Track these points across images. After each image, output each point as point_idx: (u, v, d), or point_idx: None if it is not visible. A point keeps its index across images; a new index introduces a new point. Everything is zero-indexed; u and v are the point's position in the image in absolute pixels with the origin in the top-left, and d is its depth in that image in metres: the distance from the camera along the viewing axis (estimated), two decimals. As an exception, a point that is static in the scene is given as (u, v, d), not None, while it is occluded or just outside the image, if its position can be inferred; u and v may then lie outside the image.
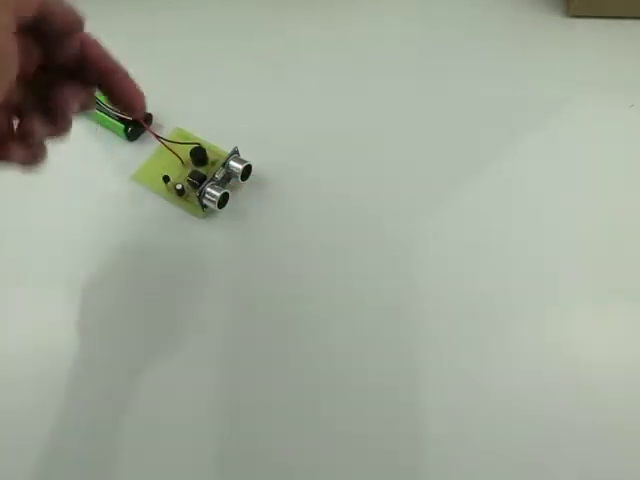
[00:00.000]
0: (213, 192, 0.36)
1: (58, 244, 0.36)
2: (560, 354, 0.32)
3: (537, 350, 0.33)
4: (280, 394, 0.32)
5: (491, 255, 0.36)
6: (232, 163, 0.37)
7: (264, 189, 0.39)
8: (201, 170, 0.38)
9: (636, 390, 0.31)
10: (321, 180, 0.39)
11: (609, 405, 0.31)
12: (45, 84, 0.26)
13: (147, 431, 0.31)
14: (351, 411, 0.31)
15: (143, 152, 0.40)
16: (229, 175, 0.38)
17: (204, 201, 0.36)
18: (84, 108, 0.28)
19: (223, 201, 0.37)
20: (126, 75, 0.28)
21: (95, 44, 0.27)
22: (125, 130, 0.40)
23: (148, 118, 0.40)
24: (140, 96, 0.28)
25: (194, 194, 0.36)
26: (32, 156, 0.27)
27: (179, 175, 0.38)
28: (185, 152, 0.38)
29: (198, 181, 0.37)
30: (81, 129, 0.41)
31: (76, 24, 0.26)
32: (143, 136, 0.41)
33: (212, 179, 0.37)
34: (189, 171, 0.38)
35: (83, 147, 0.40)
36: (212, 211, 0.37)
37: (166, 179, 0.38)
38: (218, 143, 0.39)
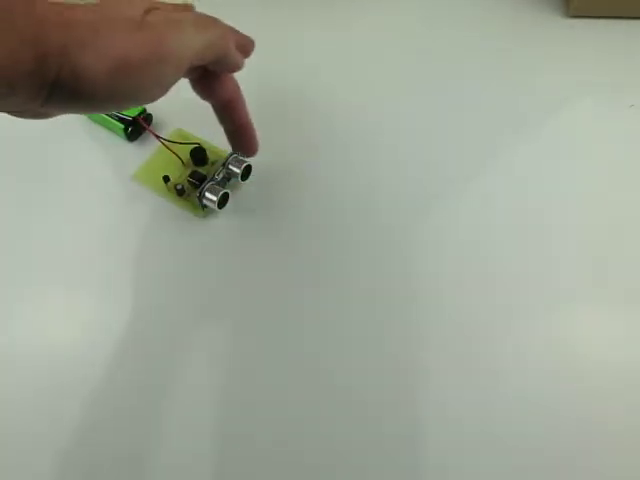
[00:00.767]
0: (213, 192, 0.36)
1: (58, 244, 0.36)
2: (560, 354, 0.32)
3: (537, 350, 0.33)
4: (280, 394, 0.32)
5: (491, 254, 0.36)
6: (232, 163, 0.37)
7: (264, 189, 0.39)
8: (201, 170, 0.38)
9: (636, 390, 0.31)
10: (321, 180, 0.39)
11: (609, 405, 0.31)
12: None
13: (147, 431, 0.31)
14: (351, 411, 0.31)
15: (143, 152, 0.40)
16: (229, 175, 0.38)
17: (204, 201, 0.36)
18: None
19: (223, 201, 0.37)
20: (251, 126, 0.33)
21: (240, 97, 0.32)
22: (125, 130, 0.40)
23: (148, 118, 0.40)
24: (256, 145, 0.34)
25: (194, 194, 0.36)
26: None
27: (179, 175, 0.38)
28: (185, 152, 0.38)
29: (198, 181, 0.37)
30: (81, 129, 0.41)
31: (237, 67, 0.30)
32: (143, 136, 0.41)
33: (212, 179, 0.37)
34: (189, 171, 0.38)
35: (83, 147, 0.40)
36: (212, 211, 0.37)
37: (166, 179, 0.38)
38: (218, 143, 0.39)
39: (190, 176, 0.37)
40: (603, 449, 0.30)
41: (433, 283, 0.35)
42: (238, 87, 0.32)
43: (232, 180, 0.38)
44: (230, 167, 0.37)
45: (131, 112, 0.39)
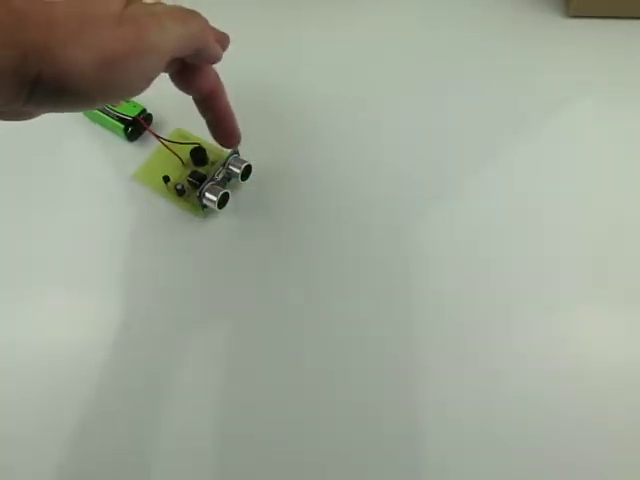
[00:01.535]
0: (213, 192, 0.36)
1: (57, 244, 0.36)
2: (560, 354, 0.32)
3: (537, 350, 0.33)
4: (280, 394, 0.32)
5: (491, 254, 0.36)
6: (232, 163, 0.37)
7: (264, 189, 0.39)
8: (201, 170, 0.38)
9: (636, 390, 0.31)
10: (321, 180, 0.39)
11: (609, 405, 0.31)
12: None
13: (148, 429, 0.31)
14: (351, 411, 0.31)
15: (143, 152, 0.40)
16: (229, 175, 0.38)
17: (204, 201, 0.36)
18: None
19: (223, 201, 0.37)
20: (233, 116, 0.34)
21: (221, 87, 0.33)
22: (125, 130, 0.40)
23: (148, 118, 0.40)
24: (238, 135, 0.34)
25: (194, 194, 0.36)
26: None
27: (179, 175, 0.38)
28: (185, 152, 0.38)
29: (198, 181, 0.37)
30: (81, 129, 0.41)
31: (217, 59, 0.30)
32: (143, 136, 0.41)
33: (212, 179, 0.37)
34: (189, 171, 0.38)
35: (83, 147, 0.40)
36: (212, 211, 0.37)
37: (166, 179, 0.38)
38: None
39: (190, 176, 0.37)
40: (603, 449, 0.30)
41: (433, 283, 0.35)
42: (218, 77, 0.32)
43: (232, 180, 0.38)
44: (230, 167, 0.37)
45: (131, 112, 0.40)
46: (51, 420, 0.31)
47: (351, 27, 0.47)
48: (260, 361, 0.33)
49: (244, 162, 0.37)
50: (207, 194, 0.36)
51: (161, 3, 0.28)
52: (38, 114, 0.26)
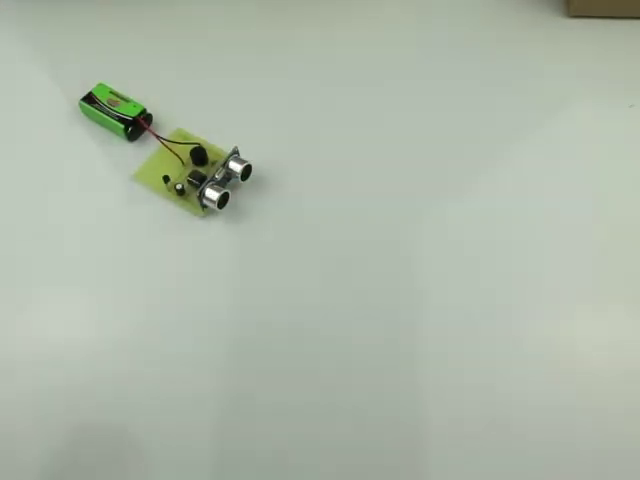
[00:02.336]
0: (213, 192, 0.36)
1: (57, 244, 0.36)
2: (560, 354, 0.32)
3: (537, 350, 0.33)
4: (280, 394, 0.32)
5: (491, 254, 0.36)
6: (232, 163, 0.37)
7: (264, 189, 0.39)
8: (201, 170, 0.38)
9: (636, 390, 0.31)
10: (321, 180, 0.39)
11: (609, 405, 0.31)
12: None
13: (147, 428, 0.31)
14: (351, 411, 0.31)
15: (143, 152, 0.40)
16: (229, 175, 0.38)
17: (204, 201, 0.36)
18: None
19: (223, 201, 0.37)
20: None
21: None
22: (125, 130, 0.40)
23: (148, 118, 0.40)
24: None
25: (194, 194, 0.36)
26: None
27: (179, 175, 0.38)
28: (185, 152, 0.38)
29: (198, 181, 0.37)
30: (81, 129, 0.41)
31: None
32: (143, 136, 0.41)
33: (212, 179, 0.37)
34: (189, 171, 0.38)
35: (83, 147, 0.40)
36: (212, 211, 0.37)
37: (166, 179, 0.38)
38: (218, 143, 0.39)
39: (190, 176, 0.37)
40: (603, 449, 0.30)
41: (433, 283, 0.35)
42: None
43: (232, 180, 0.38)
44: (230, 167, 0.37)
45: (131, 112, 0.40)
46: (50, 420, 0.31)
47: (351, 28, 0.47)
48: (260, 360, 0.33)
49: (244, 162, 0.37)
50: (207, 194, 0.36)
51: None
52: None
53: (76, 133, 0.41)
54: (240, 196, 0.38)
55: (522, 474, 0.30)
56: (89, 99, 0.40)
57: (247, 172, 0.38)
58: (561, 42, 0.46)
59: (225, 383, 0.32)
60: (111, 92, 0.40)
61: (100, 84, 0.41)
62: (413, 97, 0.43)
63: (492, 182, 0.39)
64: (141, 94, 0.41)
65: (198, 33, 0.46)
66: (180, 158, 0.38)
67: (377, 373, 0.32)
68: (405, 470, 0.30)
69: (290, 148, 0.40)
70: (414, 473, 0.30)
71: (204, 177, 0.37)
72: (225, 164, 0.37)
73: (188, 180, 0.37)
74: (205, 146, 0.38)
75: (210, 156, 0.39)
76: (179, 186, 0.37)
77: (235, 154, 0.38)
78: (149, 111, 0.40)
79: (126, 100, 0.40)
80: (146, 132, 0.40)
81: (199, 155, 0.38)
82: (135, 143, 0.41)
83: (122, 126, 0.39)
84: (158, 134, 0.39)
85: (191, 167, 0.38)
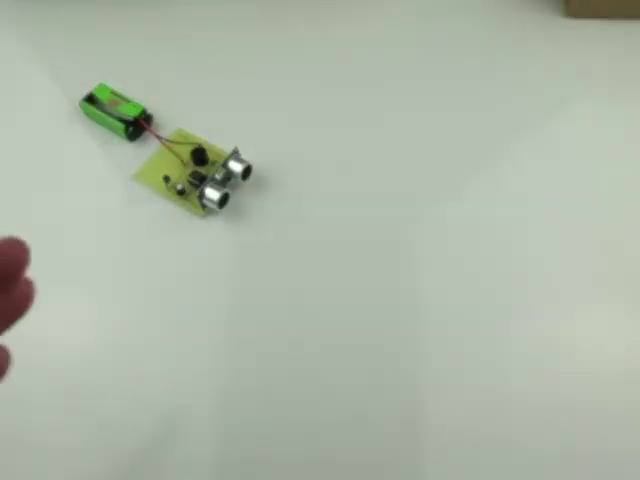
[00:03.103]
0: (213, 192, 0.36)
1: (57, 244, 0.36)
2: (560, 353, 0.32)
3: (537, 350, 0.33)
4: (280, 395, 0.32)
5: (490, 254, 0.36)
6: (232, 163, 0.37)
7: (264, 189, 0.39)
8: (201, 170, 0.38)
9: (636, 390, 0.31)
10: (321, 180, 0.39)
11: (609, 405, 0.31)
12: None
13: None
14: (351, 412, 0.31)
15: (143, 152, 0.40)
16: (229, 175, 0.38)
17: (204, 201, 0.36)
18: None
19: (223, 201, 0.37)
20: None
21: None
22: (125, 130, 0.40)
23: (149, 118, 0.40)
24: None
25: (194, 194, 0.36)
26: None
27: (179, 175, 0.38)
28: (185, 152, 0.38)
29: (198, 181, 0.37)
30: (81, 129, 0.41)
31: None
32: (143, 136, 0.41)
33: (212, 179, 0.37)
34: (189, 171, 0.38)
35: (83, 147, 0.40)
36: (212, 211, 0.37)
37: (166, 179, 0.38)
38: (218, 143, 0.39)
39: (190, 176, 0.37)
40: (603, 449, 0.30)
41: (433, 283, 0.35)
42: None
43: (232, 180, 0.38)
44: (230, 167, 0.37)
45: (132, 112, 0.40)
46: (49, 421, 0.31)
47: (352, 28, 0.47)
48: (260, 359, 0.33)
49: (244, 162, 0.37)
50: (207, 194, 0.36)
51: None
52: None
53: (76, 133, 0.41)
54: (240, 196, 0.38)
55: (522, 474, 0.30)
56: (90, 99, 0.40)
57: (247, 172, 0.38)
58: (561, 42, 0.46)
59: (225, 383, 0.32)
60: (112, 92, 0.41)
61: (100, 84, 0.41)
62: (413, 97, 0.43)
63: (492, 182, 0.39)
64: (141, 94, 0.41)
65: (198, 33, 0.46)
66: (180, 158, 0.38)
67: (377, 373, 0.32)
68: (405, 470, 0.30)
69: (290, 148, 0.40)
70: (414, 473, 0.30)
71: (204, 177, 0.37)
72: (225, 164, 0.37)
73: (188, 180, 0.37)
74: (205, 146, 0.38)
75: (210, 156, 0.39)
76: (179, 186, 0.37)
77: (235, 154, 0.38)
78: (149, 111, 0.40)
79: (126, 100, 0.40)
80: (146, 132, 0.40)
81: (199, 155, 0.38)
82: (135, 143, 0.41)
83: (122, 126, 0.39)
84: (158, 134, 0.39)
85: (191, 167, 0.38)
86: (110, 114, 0.40)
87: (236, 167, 0.37)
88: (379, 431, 0.31)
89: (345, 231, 0.37)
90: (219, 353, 0.33)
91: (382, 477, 0.30)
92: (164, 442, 0.30)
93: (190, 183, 0.37)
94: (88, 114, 0.41)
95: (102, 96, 0.40)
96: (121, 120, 0.40)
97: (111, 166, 0.40)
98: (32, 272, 0.36)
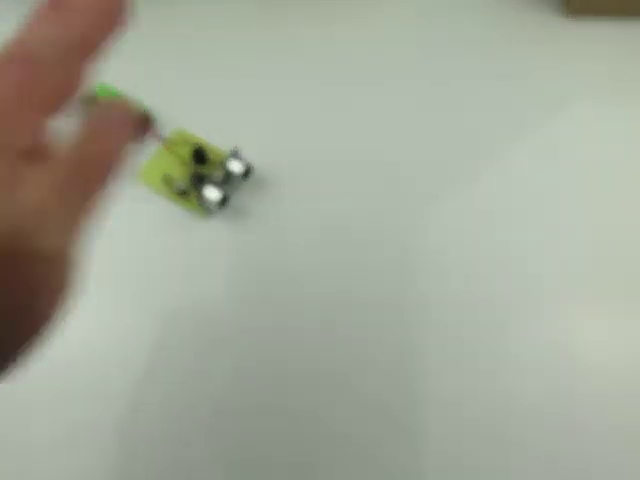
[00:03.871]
0: (213, 192, 0.36)
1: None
2: (560, 354, 0.33)
3: (537, 350, 0.33)
4: (279, 395, 0.32)
5: (490, 254, 0.36)
6: (232, 163, 0.37)
7: (264, 189, 0.39)
8: (201, 170, 0.38)
9: (636, 390, 0.31)
10: (321, 180, 0.39)
11: (609, 405, 0.31)
12: None
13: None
14: (351, 412, 0.31)
15: (143, 152, 0.40)
16: (229, 175, 0.38)
17: (204, 201, 0.36)
18: None
19: (223, 201, 0.37)
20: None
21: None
22: (125, 130, 0.40)
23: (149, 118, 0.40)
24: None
25: (194, 194, 0.36)
26: None
27: (179, 175, 0.38)
28: (185, 152, 0.38)
29: (198, 181, 0.37)
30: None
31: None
32: (143, 136, 0.41)
33: (212, 179, 0.37)
34: (189, 171, 0.38)
35: (83, 147, 0.40)
36: (212, 211, 0.37)
37: (166, 179, 0.38)
38: (218, 143, 0.39)
39: (190, 176, 0.37)
40: (603, 449, 0.30)
41: (433, 283, 0.35)
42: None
43: (232, 180, 0.38)
44: (230, 167, 0.37)
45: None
46: (49, 421, 0.31)
47: (352, 29, 0.47)
48: (260, 359, 0.33)
49: (244, 162, 0.37)
50: (207, 194, 0.36)
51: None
52: None
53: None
54: (240, 196, 0.38)
55: (522, 474, 0.30)
56: (91, 99, 0.40)
57: (247, 172, 0.38)
58: (561, 42, 0.46)
59: (225, 382, 0.32)
60: (112, 92, 0.41)
61: (101, 84, 0.41)
62: (413, 97, 0.43)
63: (492, 182, 0.39)
64: (141, 94, 0.41)
65: (198, 33, 0.46)
66: (180, 158, 0.38)
67: (377, 373, 0.32)
68: (405, 469, 0.30)
69: (290, 148, 0.40)
70: (414, 472, 0.30)
71: (204, 177, 0.37)
72: (225, 164, 0.37)
73: (188, 180, 0.37)
74: (205, 146, 0.38)
75: (210, 156, 0.39)
76: (179, 186, 0.37)
77: (235, 154, 0.38)
78: (149, 111, 0.40)
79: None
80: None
81: (199, 155, 0.38)
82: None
83: (122, 126, 0.39)
84: (158, 134, 0.39)
85: (191, 167, 0.38)
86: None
87: (236, 167, 0.37)
88: (379, 431, 0.31)
89: (345, 231, 0.37)
90: (219, 353, 0.33)
91: (382, 477, 0.30)
92: (164, 442, 0.30)
93: (190, 183, 0.37)
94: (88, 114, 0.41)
95: (102, 96, 0.40)
96: (121, 120, 0.40)
97: (111, 166, 0.40)
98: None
